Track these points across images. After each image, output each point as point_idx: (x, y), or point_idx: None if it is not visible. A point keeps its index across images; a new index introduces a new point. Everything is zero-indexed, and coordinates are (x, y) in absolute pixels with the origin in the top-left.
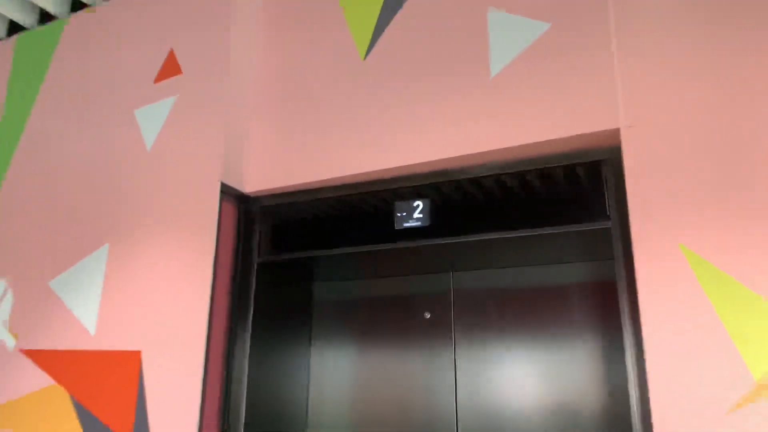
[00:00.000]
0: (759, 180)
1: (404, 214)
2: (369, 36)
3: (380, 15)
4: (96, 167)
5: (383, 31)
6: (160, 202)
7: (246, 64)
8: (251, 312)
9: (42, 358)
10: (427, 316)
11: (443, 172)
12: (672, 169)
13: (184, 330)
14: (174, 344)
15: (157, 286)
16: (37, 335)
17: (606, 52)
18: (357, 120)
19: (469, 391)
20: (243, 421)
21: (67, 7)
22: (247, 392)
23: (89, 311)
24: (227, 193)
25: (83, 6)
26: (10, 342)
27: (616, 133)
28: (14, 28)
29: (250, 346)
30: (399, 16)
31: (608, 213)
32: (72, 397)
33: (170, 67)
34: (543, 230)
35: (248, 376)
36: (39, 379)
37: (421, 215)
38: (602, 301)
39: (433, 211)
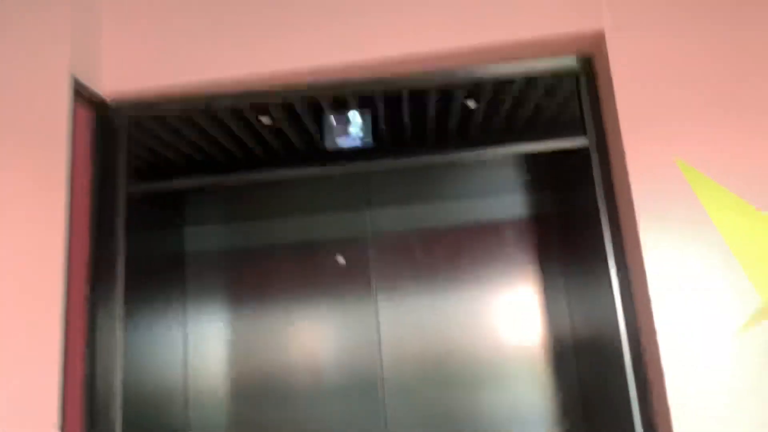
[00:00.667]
0: (755, 89)
1: (336, 130)
2: None
3: None
4: None
5: None
6: None
7: None
8: (121, 268)
9: None
10: (341, 261)
11: (379, 81)
12: (662, 77)
13: (29, 297)
14: (14, 319)
15: None
16: None
17: None
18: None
19: (396, 345)
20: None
21: None
22: (124, 380)
23: None
24: (81, 95)
25: None
26: None
27: (597, 36)
28: None
29: (124, 316)
30: None
31: (585, 128)
32: None
33: None
34: (511, 148)
35: (125, 356)
36: None
37: (361, 132)
38: (540, 236)
39: (375, 128)
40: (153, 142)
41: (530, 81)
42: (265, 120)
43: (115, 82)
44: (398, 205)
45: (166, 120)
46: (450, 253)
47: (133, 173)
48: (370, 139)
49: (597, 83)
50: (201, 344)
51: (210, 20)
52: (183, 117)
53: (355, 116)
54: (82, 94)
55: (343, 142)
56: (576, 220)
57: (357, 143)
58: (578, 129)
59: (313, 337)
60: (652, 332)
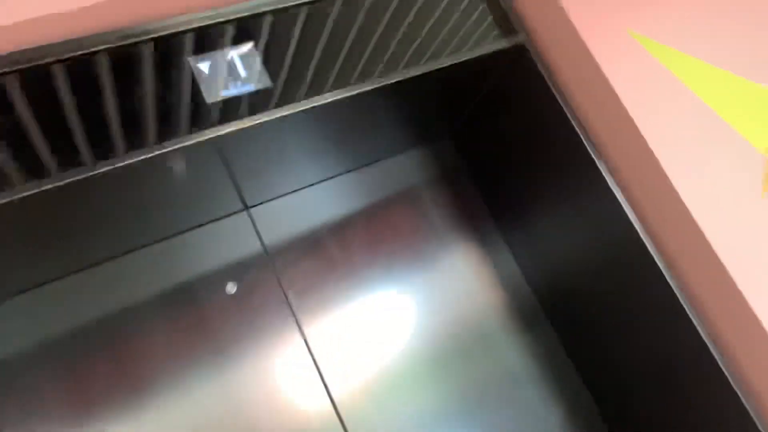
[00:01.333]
0: None
1: (213, 75)
2: None
3: None
4: None
5: None
6: None
7: None
8: None
9: None
10: (231, 290)
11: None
12: None
13: None
14: None
15: None
16: None
17: None
18: None
19: (344, 372)
20: None
21: None
22: None
23: None
24: None
25: None
26: None
27: None
28: None
29: None
30: None
31: (513, 25)
32: None
33: None
34: (432, 65)
35: None
36: None
37: (248, 74)
38: (457, 194)
39: (255, 68)
40: None
41: None
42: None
43: None
44: (283, 197)
45: None
46: (369, 239)
47: None
48: (267, 79)
49: None
50: None
51: None
52: None
53: (233, 54)
54: None
55: (230, 90)
56: (502, 155)
57: (250, 87)
58: (491, 32)
59: (220, 402)
60: (691, 224)
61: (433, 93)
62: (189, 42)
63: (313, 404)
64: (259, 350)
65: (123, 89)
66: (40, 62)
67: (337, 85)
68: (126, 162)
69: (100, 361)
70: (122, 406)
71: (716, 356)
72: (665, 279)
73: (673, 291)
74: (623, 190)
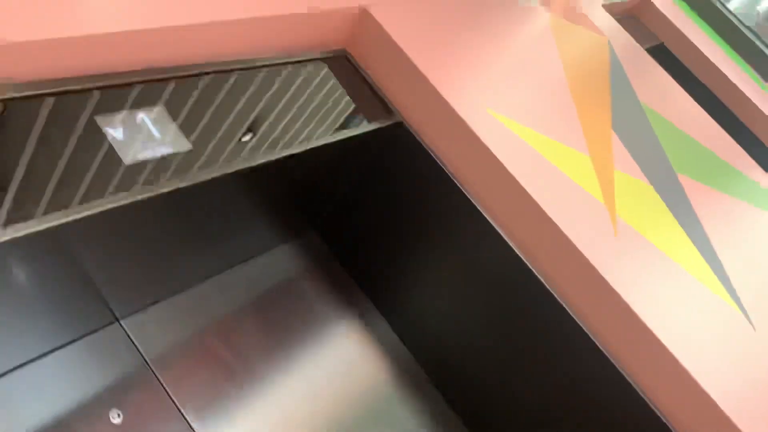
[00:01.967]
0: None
1: (128, 138)
2: None
3: None
4: None
5: None
6: None
7: None
8: None
9: None
10: (117, 419)
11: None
12: (437, 36)
13: None
14: None
15: None
16: None
17: None
18: None
19: None
20: None
21: None
22: None
23: None
24: None
25: None
26: None
27: (357, 14)
28: None
29: None
30: None
31: (388, 106)
32: None
33: None
34: (327, 140)
35: None
36: None
37: (161, 134)
38: (331, 281)
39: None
40: None
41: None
42: None
43: None
44: (156, 304)
45: None
46: (257, 336)
47: None
48: (184, 140)
49: (364, 66)
50: None
51: None
52: None
53: (144, 117)
54: None
55: (148, 152)
56: (369, 234)
57: (168, 149)
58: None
59: None
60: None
61: (299, 183)
62: None
63: None
64: None
65: None
66: None
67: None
68: None
69: None
70: None
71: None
72: (562, 306)
73: (576, 323)
74: (504, 229)
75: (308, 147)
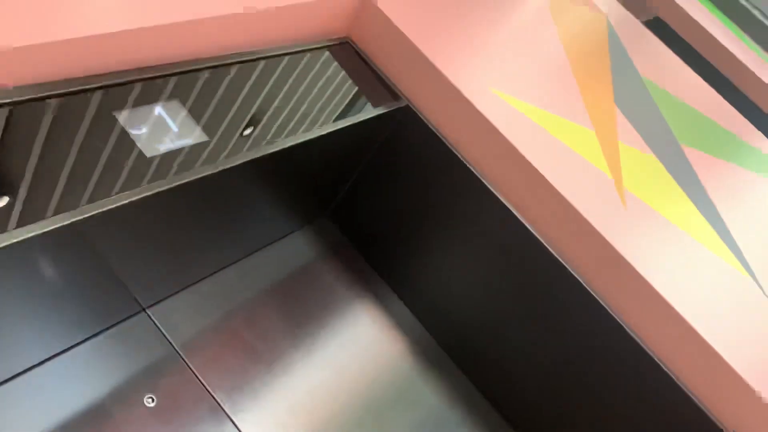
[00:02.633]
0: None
1: (148, 130)
2: None
3: None
4: None
5: None
6: None
7: None
8: None
9: None
10: (151, 403)
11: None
12: (439, 20)
13: None
14: None
15: None
16: None
17: None
18: None
19: None
20: None
21: None
22: None
23: None
24: None
25: None
26: None
27: (357, 3)
28: None
29: None
30: None
31: (394, 91)
32: None
33: None
34: (322, 130)
35: None
36: None
37: (179, 127)
38: (346, 265)
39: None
40: None
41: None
42: None
43: None
44: (180, 292)
45: None
46: (280, 319)
47: None
48: (200, 132)
49: (369, 52)
50: None
51: None
52: None
53: (161, 111)
54: None
55: (167, 144)
56: (381, 217)
57: (187, 141)
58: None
59: None
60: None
61: (310, 170)
62: None
63: None
64: None
65: None
66: None
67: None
68: None
69: None
70: None
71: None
72: (576, 280)
73: (592, 296)
74: (515, 206)
75: (318, 134)
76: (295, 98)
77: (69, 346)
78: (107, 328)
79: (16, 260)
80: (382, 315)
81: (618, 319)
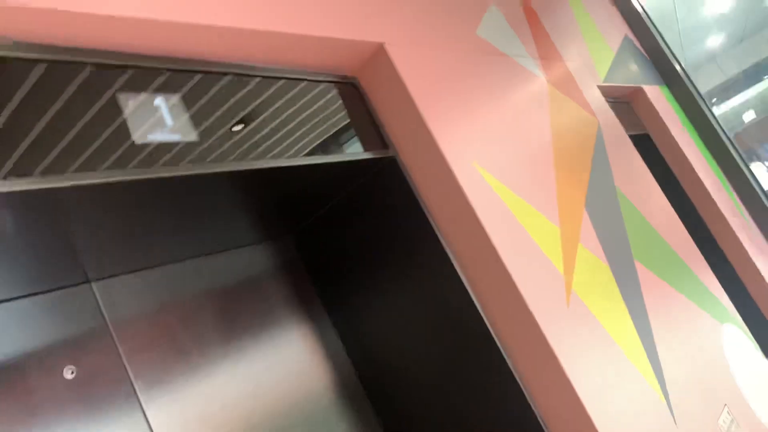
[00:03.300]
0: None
1: (143, 118)
2: None
3: None
4: None
5: None
6: None
7: None
8: None
9: None
10: (69, 375)
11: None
12: (444, 85)
13: None
14: None
15: None
16: None
17: None
18: None
19: None
20: None
21: None
22: None
23: None
24: None
25: None
26: None
27: (373, 48)
28: None
29: None
30: None
31: (385, 140)
32: None
33: None
34: (312, 159)
35: None
36: None
37: (173, 122)
38: (294, 284)
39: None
40: None
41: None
42: None
43: None
44: (130, 273)
45: None
46: (214, 320)
47: None
48: (192, 131)
49: (371, 96)
50: None
51: None
52: None
53: (162, 101)
54: None
55: (156, 135)
56: (341, 253)
57: (175, 136)
58: (355, 144)
59: None
60: (528, 316)
61: (286, 191)
62: None
63: None
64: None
65: None
66: None
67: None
68: None
69: None
70: None
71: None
72: (504, 360)
73: (514, 377)
74: (466, 275)
75: (301, 163)
76: (290, 121)
77: (3, 298)
78: (48, 291)
79: None
80: (315, 343)
81: (533, 408)
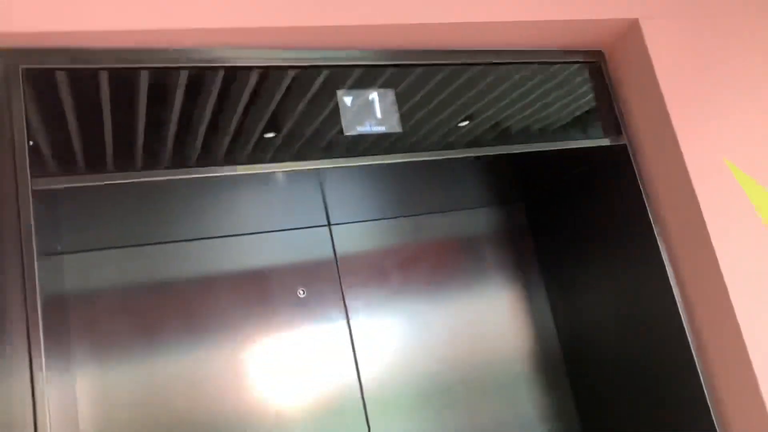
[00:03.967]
0: None
1: (355, 111)
2: None
3: None
4: None
5: None
6: None
7: None
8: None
9: None
10: (302, 294)
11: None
12: (701, 69)
13: None
14: None
15: None
16: None
17: None
18: None
19: (377, 368)
20: None
21: None
22: None
23: None
24: None
25: None
26: None
27: (626, 25)
28: None
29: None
30: None
31: (619, 127)
32: None
33: None
34: (545, 146)
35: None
36: None
37: (383, 116)
38: (516, 249)
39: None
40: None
41: (544, 71)
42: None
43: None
44: (363, 222)
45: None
46: (426, 270)
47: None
48: (397, 124)
49: (617, 78)
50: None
51: None
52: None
53: (376, 96)
54: None
55: (365, 127)
56: (568, 227)
57: (382, 128)
58: (594, 127)
59: (275, 376)
60: (735, 329)
61: (527, 164)
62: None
63: (343, 383)
64: (314, 334)
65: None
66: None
67: (453, 145)
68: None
69: (172, 312)
70: (188, 343)
71: None
72: (695, 365)
73: (699, 379)
74: (679, 283)
75: (529, 150)
76: (530, 106)
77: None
78: (292, 229)
79: None
80: (524, 308)
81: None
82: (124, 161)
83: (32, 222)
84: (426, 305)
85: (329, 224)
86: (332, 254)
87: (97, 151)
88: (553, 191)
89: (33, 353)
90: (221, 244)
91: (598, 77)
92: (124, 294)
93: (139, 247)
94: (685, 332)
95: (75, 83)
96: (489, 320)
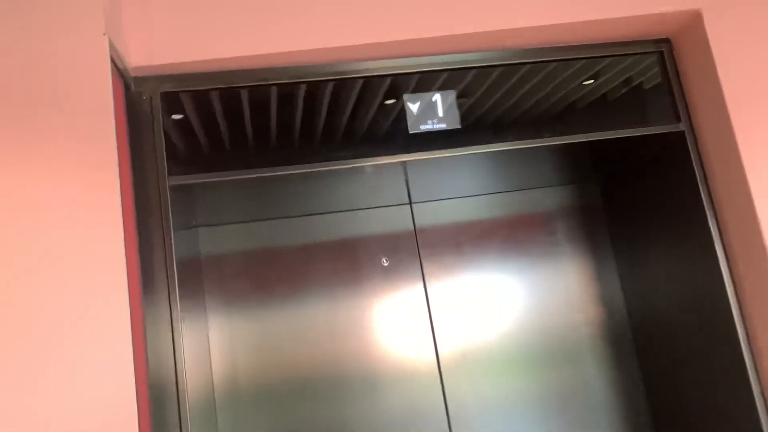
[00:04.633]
0: None
1: (419, 111)
2: None
3: None
4: None
5: None
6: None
7: None
8: (171, 270)
9: None
10: (385, 263)
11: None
12: (762, 60)
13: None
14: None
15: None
16: None
17: None
18: None
19: (452, 338)
20: None
21: None
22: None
23: None
24: (115, 64)
25: None
26: None
27: (690, 16)
28: None
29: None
30: None
31: (678, 114)
32: None
33: None
34: (605, 134)
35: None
36: None
37: (445, 114)
38: (588, 226)
39: (452, 111)
40: (187, 123)
41: (612, 63)
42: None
43: (139, 56)
44: (442, 200)
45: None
46: (498, 243)
47: (173, 160)
48: (456, 122)
49: (680, 68)
50: (230, 348)
51: None
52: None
53: (438, 97)
54: (115, 64)
55: (427, 126)
56: (637, 206)
57: (442, 126)
58: (656, 114)
59: (362, 332)
60: None
61: (594, 150)
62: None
63: (421, 354)
64: (395, 298)
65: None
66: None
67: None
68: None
69: (281, 275)
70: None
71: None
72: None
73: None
74: (730, 264)
75: (597, 138)
76: (590, 96)
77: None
78: (321, 213)
79: None
80: (594, 281)
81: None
82: (245, 160)
83: (169, 208)
84: (498, 276)
85: (410, 202)
86: (412, 228)
87: (219, 154)
88: (629, 170)
89: (171, 304)
90: (320, 220)
91: (663, 66)
92: (245, 259)
93: (256, 222)
94: (732, 314)
95: (198, 102)
96: (560, 292)
